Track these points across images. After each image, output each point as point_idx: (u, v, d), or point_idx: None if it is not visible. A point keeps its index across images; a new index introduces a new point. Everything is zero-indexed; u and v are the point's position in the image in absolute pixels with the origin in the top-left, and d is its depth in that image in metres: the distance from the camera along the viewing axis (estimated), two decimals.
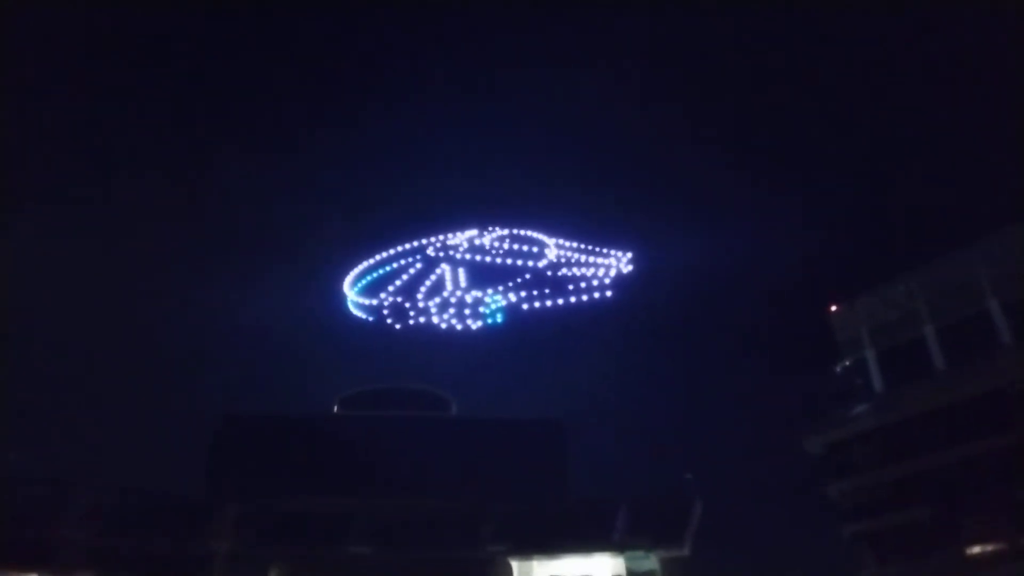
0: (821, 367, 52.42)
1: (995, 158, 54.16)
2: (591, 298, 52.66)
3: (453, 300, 52.48)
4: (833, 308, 52.61)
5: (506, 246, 55.97)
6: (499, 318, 52.00)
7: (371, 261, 57.07)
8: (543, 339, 55.49)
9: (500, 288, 52.60)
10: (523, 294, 52.56)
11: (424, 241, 57.31)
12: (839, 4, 69.19)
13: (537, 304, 52.30)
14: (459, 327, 51.88)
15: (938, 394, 44.44)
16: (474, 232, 57.12)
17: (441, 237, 57.49)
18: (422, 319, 52.50)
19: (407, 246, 57.08)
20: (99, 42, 78.52)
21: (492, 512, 48.94)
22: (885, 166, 71.20)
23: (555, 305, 52.40)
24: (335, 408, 57.54)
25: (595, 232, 56.70)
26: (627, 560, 47.11)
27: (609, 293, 52.70)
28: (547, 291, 52.71)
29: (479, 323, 51.94)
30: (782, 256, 61.06)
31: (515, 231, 57.30)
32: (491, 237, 56.78)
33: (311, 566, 46.73)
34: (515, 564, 47.91)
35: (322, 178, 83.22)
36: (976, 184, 56.71)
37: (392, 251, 57.13)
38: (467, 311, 52.00)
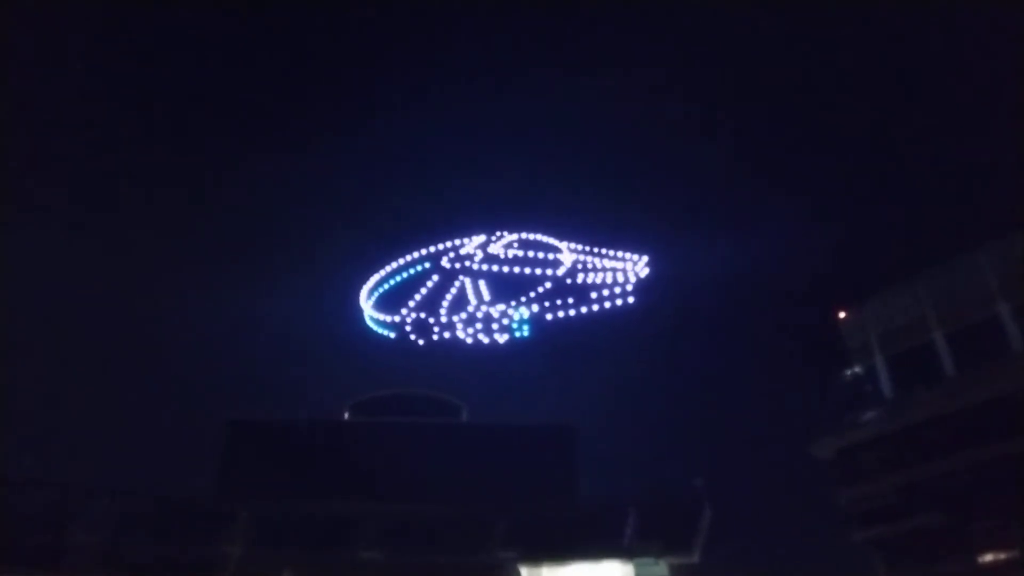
0: (830, 373, 52.43)
1: (1004, 161, 54.11)
2: (613, 304, 52.28)
3: (479, 315, 51.98)
4: (842, 314, 52.63)
5: (520, 253, 55.53)
6: (526, 331, 51.55)
7: (383, 272, 56.90)
8: (561, 348, 55.03)
9: (523, 299, 52.21)
10: (546, 304, 52.06)
11: (435, 249, 57.13)
12: (851, 8, 69.41)
13: (561, 314, 51.86)
14: (486, 341, 51.47)
15: (948, 399, 44.33)
16: (483, 238, 57.02)
17: (449, 244, 57.36)
18: (447, 334, 52.08)
19: (417, 254, 56.99)
20: (109, 43, 79.22)
21: (502, 518, 49.01)
22: (893, 170, 71.13)
23: (578, 314, 52.05)
24: (346, 414, 57.77)
25: (601, 235, 56.52)
26: (637, 567, 47.02)
27: (631, 299, 52.29)
28: (570, 300, 52.31)
29: (506, 336, 51.52)
30: (790, 262, 61.01)
31: (525, 235, 57.00)
32: (501, 243, 56.50)
33: (322, 570, 46.88)
34: (524, 570, 47.90)
35: (327, 182, 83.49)
36: (985, 187, 56.63)
37: (403, 260, 56.97)
38: (494, 325, 51.56)
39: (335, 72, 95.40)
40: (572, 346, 55.40)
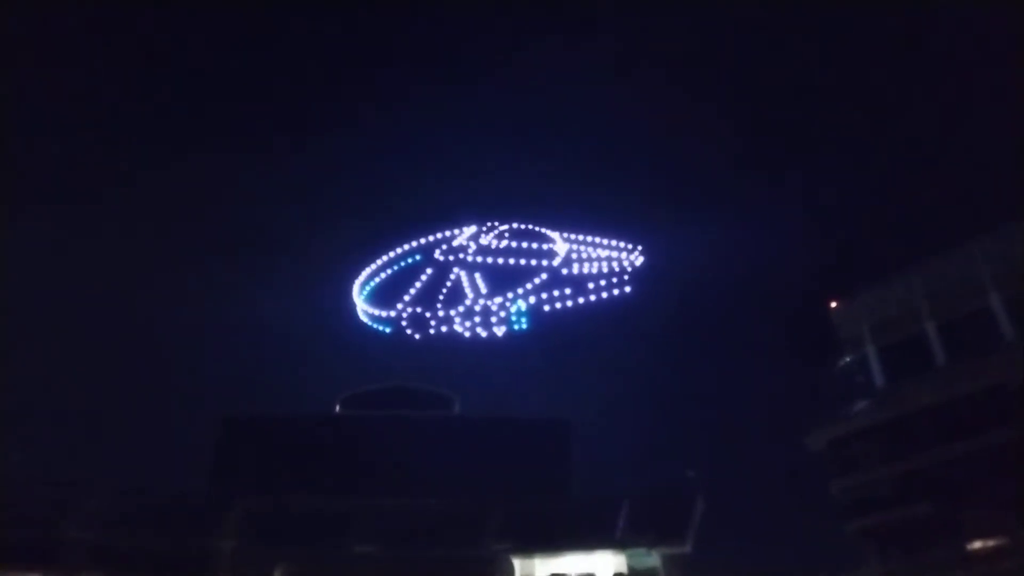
0: (822, 363, 52.45)
1: (997, 152, 54.02)
2: (610, 294, 51.67)
3: (477, 308, 51.12)
4: (834, 304, 52.57)
5: (514, 244, 54.80)
6: (524, 323, 50.82)
7: (374, 266, 56.30)
8: (557, 340, 54.41)
9: (520, 291, 51.44)
10: (543, 295, 51.33)
11: (426, 240, 56.62)
12: (842, 3, 69.10)
13: (558, 305, 51.15)
14: (484, 335, 50.73)
15: (940, 390, 44.28)
16: (473, 229, 56.56)
17: (440, 236, 56.90)
18: (444, 328, 51.29)
19: (408, 247, 56.54)
20: (105, 41, 78.75)
21: (495, 510, 49.14)
22: (886, 161, 71.07)
23: (576, 304, 51.39)
24: (337, 408, 57.70)
25: (593, 225, 55.95)
26: (629, 557, 47.24)
27: (628, 288, 51.68)
28: (567, 290, 51.59)
29: (503, 329, 50.70)
30: (783, 252, 60.97)
31: (516, 226, 56.36)
32: (493, 234, 55.92)
33: (316, 565, 47.02)
34: (517, 562, 48.10)
35: (318, 177, 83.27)
36: (978, 178, 56.59)
37: (394, 253, 56.40)
38: (493, 318, 50.79)
39: (326, 69, 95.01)
40: (568, 338, 55.06)
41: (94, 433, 59.38)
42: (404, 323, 52.58)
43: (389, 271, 56.54)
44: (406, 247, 56.93)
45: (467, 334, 51.47)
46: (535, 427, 55.47)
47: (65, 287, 65.50)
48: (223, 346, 63.45)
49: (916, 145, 65.94)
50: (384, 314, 53.90)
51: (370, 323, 54.98)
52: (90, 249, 69.12)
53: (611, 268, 52.84)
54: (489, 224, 56.65)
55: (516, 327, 51.21)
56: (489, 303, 51.62)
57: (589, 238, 54.91)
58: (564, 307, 51.75)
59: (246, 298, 62.04)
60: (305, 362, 63.38)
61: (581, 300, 51.81)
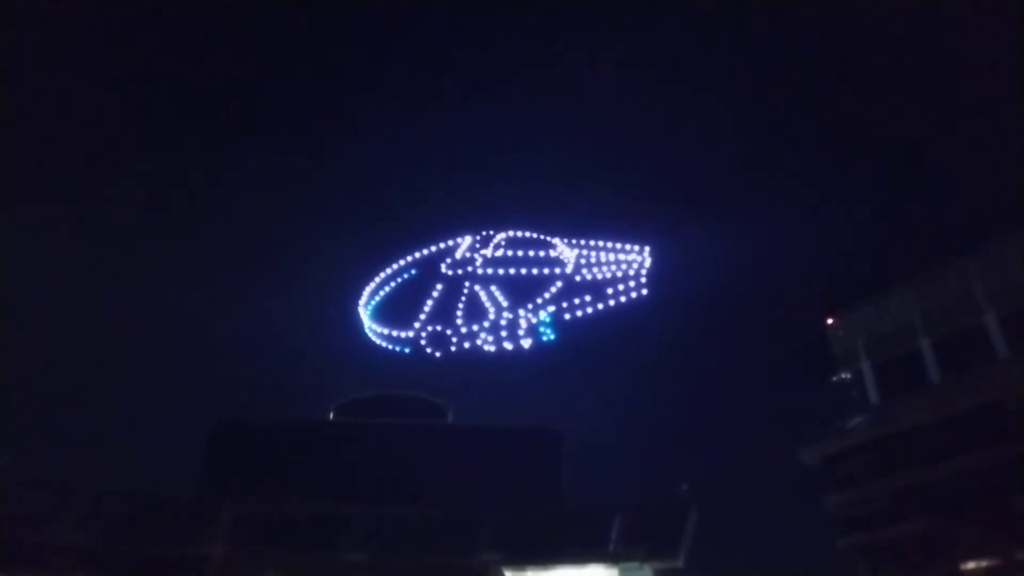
0: (817, 379, 52.54)
1: (992, 169, 54.43)
2: (628, 298, 51.04)
3: (503, 322, 50.08)
4: (829, 320, 52.76)
5: (519, 253, 54.00)
6: (551, 334, 49.83)
7: (374, 282, 55.66)
8: (561, 350, 53.37)
9: (539, 300, 50.59)
10: (564, 304, 50.60)
11: (426, 252, 56.05)
12: (842, 7, 69.81)
13: (579, 312, 50.40)
14: (510, 347, 49.67)
15: (934, 406, 44.39)
16: (469, 239, 56.27)
17: (439, 247, 56.57)
18: (466, 344, 50.11)
19: (407, 260, 56.08)
20: (111, 42, 79.42)
21: (486, 521, 48.79)
22: (881, 177, 71.59)
23: (595, 310, 50.66)
24: (331, 415, 57.52)
25: (592, 230, 55.51)
26: (621, 571, 46.74)
27: (644, 291, 50.96)
28: (587, 297, 50.78)
29: (530, 341, 49.71)
30: (778, 268, 61.23)
31: (515, 233, 55.79)
32: (493, 243, 55.45)
33: (305, 572, 46.62)
34: (509, 573, 47.64)
35: (316, 186, 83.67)
36: (973, 195, 56.97)
37: (393, 267, 55.81)
38: (520, 331, 49.82)
39: (324, 78, 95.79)
40: (581, 347, 53.99)
41: (85, 435, 59.20)
42: (423, 343, 51.32)
43: (390, 286, 56.00)
44: (403, 262, 56.33)
45: (492, 348, 50.34)
46: (526, 436, 55.25)
47: (63, 289, 65.61)
48: (217, 351, 63.47)
49: (912, 159, 66.53)
50: (402, 335, 52.32)
51: (384, 344, 53.59)
52: (90, 252, 69.32)
53: (624, 273, 52.24)
54: (485, 233, 56.32)
55: (544, 338, 50.29)
56: (513, 315, 50.53)
57: (593, 242, 54.31)
58: (585, 315, 50.97)
59: (241, 305, 62.19)
60: (300, 369, 63.37)
61: (600, 306, 51.09)
